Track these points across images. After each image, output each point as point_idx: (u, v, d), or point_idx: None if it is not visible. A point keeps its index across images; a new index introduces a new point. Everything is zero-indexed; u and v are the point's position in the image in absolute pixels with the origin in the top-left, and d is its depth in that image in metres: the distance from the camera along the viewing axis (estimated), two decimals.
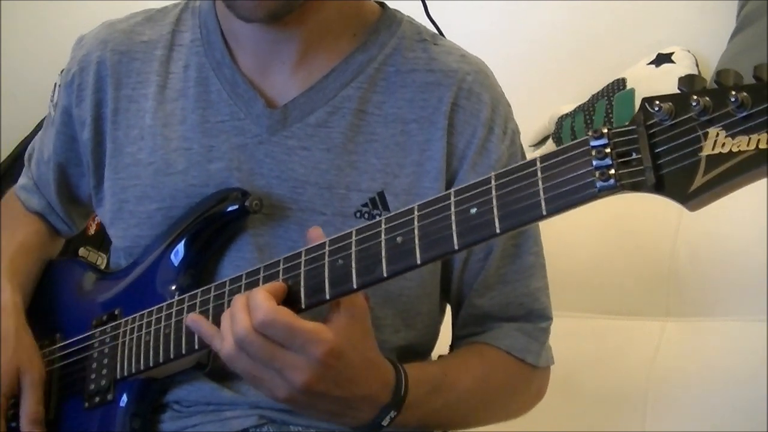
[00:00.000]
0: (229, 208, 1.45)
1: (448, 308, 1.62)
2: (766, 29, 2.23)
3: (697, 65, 2.44)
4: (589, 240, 2.09)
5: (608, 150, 1.05)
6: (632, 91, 2.42)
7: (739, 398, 1.86)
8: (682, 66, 2.41)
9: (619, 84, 2.46)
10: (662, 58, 2.46)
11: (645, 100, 1.03)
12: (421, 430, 1.46)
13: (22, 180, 1.76)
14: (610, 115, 2.40)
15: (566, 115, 2.53)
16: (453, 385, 1.45)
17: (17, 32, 3.17)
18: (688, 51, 2.47)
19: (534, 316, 1.55)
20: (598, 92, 2.50)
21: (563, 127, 2.51)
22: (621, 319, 2.06)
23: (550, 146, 2.55)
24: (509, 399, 1.56)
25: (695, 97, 0.99)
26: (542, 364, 1.56)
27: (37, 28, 3.19)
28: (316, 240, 1.30)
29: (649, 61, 2.48)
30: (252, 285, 1.32)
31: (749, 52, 2.24)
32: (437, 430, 1.51)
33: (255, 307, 1.24)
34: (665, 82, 2.38)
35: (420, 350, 1.56)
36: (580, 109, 2.50)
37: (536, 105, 2.49)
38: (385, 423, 1.33)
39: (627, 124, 1.05)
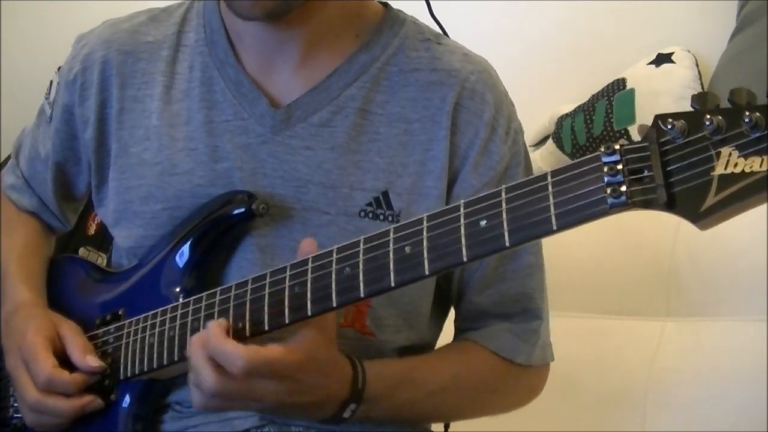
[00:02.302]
0: (236, 211, 1.45)
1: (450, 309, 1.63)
2: (766, 29, 2.23)
3: (697, 65, 2.43)
4: (589, 240, 2.08)
5: (620, 167, 1.04)
6: (632, 91, 2.41)
7: (739, 398, 1.86)
8: (682, 66, 2.41)
9: (619, 84, 2.46)
10: (662, 58, 2.46)
11: (658, 117, 1.03)
12: (391, 423, 1.49)
13: (10, 179, 1.75)
14: (610, 115, 2.40)
15: (566, 115, 2.53)
16: (422, 380, 1.47)
17: (17, 32, 3.16)
18: (688, 51, 2.46)
19: (529, 316, 1.55)
20: (598, 92, 2.50)
21: (563, 127, 2.51)
22: (621, 319, 2.06)
23: (549, 146, 2.55)
24: (490, 397, 1.57)
25: (708, 116, 0.98)
26: (535, 363, 1.56)
27: (37, 28, 3.18)
28: (308, 252, 1.31)
29: (649, 61, 2.48)
30: (257, 290, 1.32)
31: (749, 52, 2.24)
32: (410, 425, 1.54)
33: (232, 360, 1.26)
34: (665, 82, 2.38)
35: (421, 351, 1.57)
36: (580, 109, 2.50)
37: (536, 105, 2.48)
38: (346, 415, 1.37)
39: (639, 141, 1.05)
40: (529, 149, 1.66)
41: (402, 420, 1.49)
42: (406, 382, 1.45)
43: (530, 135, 2.56)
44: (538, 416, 1.69)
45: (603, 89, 2.49)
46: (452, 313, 1.62)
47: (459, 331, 1.59)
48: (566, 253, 1.94)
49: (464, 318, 1.57)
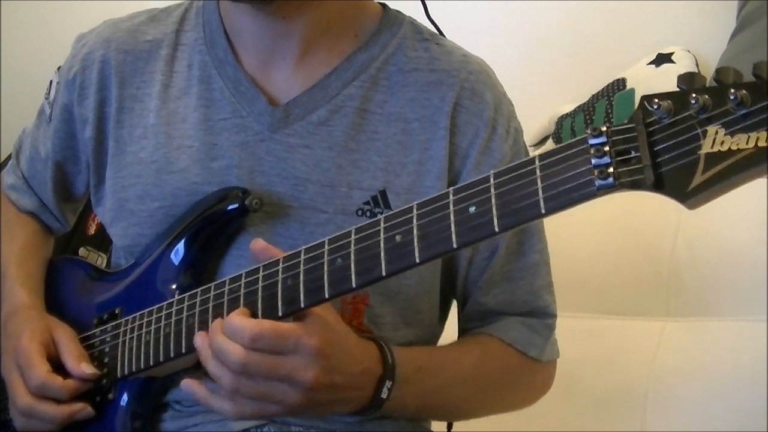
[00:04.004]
0: (229, 207, 1.45)
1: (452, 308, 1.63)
2: (766, 29, 2.23)
3: (697, 65, 2.44)
4: (589, 240, 2.09)
5: (607, 148, 1.04)
6: (632, 91, 2.42)
7: (739, 398, 1.85)
8: (682, 66, 2.41)
9: (619, 84, 2.46)
10: (662, 58, 2.46)
11: (644, 98, 1.03)
12: (420, 415, 1.49)
13: (10, 179, 1.75)
14: (610, 115, 2.40)
15: (566, 115, 2.54)
16: (447, 366, 1.47)
17: (17, 32, 3.18)
18: (688, 51, 2.47)
19: (538, 314, 1.56)
20: (598, 92, 2.50)
21: (563, 127, 2.51)
22: (621, 319, 2.06)
23: (550, 146, 2.55)
24: (509, 389, 1.57)
25: (694, 95, 0.98)
26: (546, 359, 1.56)
27: (37, 28, 3.20)
28: (261, 252, 1.32)
29: (649, 61, 2.48)
30: (251, 284, 1.32)
31: (749, 52, 2.24)
32: (436, 416, 1.54)
33: (237, 330, 1.25)
34: (665, 82, 2.38)
35: None
36: (580, 109, 2.50)
37: (536, 105, 2.49)
38: (384, 395, 1.34)
39: (626, 122, 1.05)
40: (529, 149, 1.66)
41: (429, 409, 1.49)
42: (431, 367, 1.44)
43: (530, 135, 2.56)
44: (538, 416, 1.69)
45: (603, 89, 2.49)
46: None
47: (463, 331, 1.58)
48: (566, 252, 1.94)
49: (471, 318, 1.57)
